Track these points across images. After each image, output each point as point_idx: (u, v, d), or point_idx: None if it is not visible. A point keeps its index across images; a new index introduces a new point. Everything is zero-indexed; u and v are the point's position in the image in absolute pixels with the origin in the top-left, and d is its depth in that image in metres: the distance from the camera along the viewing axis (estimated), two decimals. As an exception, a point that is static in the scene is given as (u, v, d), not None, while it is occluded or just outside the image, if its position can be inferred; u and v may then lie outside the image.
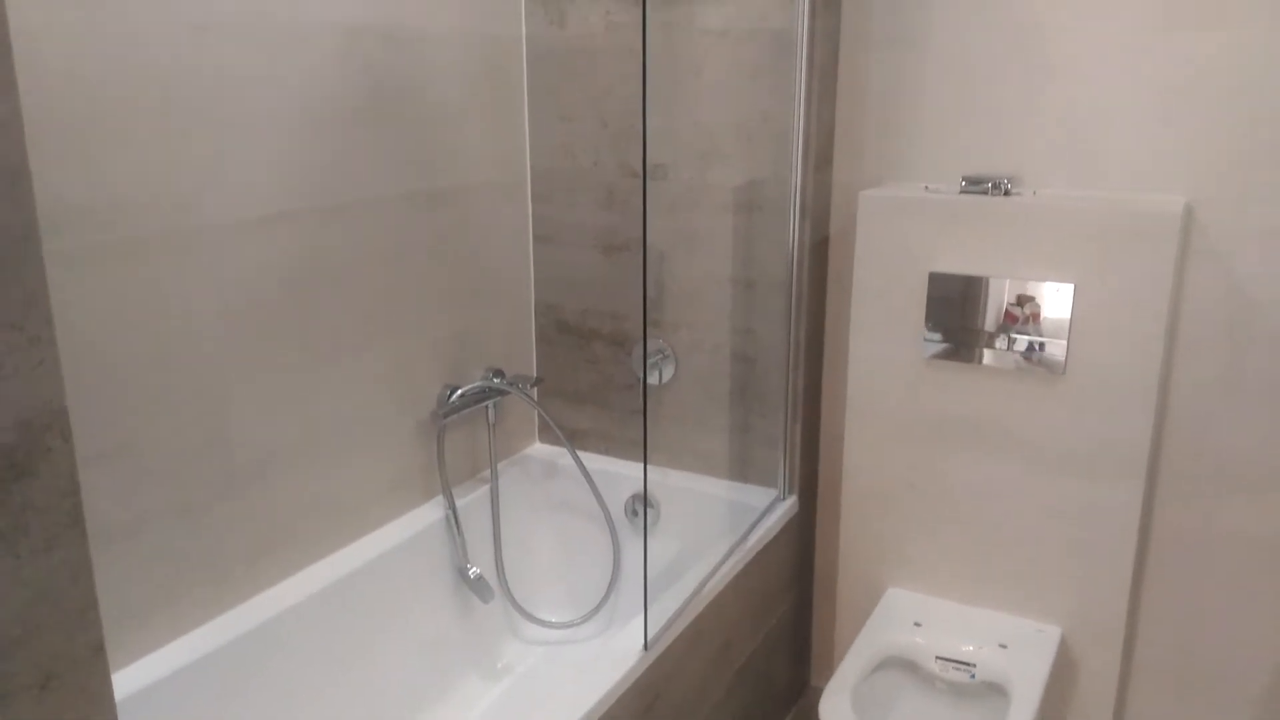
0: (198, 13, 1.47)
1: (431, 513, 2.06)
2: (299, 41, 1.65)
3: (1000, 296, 1.87)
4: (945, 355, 1.95)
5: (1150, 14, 1.77)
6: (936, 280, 1.92)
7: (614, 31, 2.13)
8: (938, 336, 1.94)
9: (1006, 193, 1.87)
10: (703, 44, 2.05)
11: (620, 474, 2.31)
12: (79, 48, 1.33)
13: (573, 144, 2.23)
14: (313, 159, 1.71)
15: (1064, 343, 1.83)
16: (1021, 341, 1.86)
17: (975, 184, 1.91)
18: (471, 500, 2.15)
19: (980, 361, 1.91)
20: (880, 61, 2.02)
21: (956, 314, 1.91)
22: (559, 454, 2.38)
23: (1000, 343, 1.89)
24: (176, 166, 1.48)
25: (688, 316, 2.21)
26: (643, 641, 1.64)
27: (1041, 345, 1.84)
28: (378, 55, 1.81)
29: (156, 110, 1.44)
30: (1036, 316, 1.83)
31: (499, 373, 2.24)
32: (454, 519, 2.07)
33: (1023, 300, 1.85)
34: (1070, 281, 1.81)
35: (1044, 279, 1.83)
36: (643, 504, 2.28)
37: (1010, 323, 1.86)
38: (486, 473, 2.27)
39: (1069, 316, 1.82)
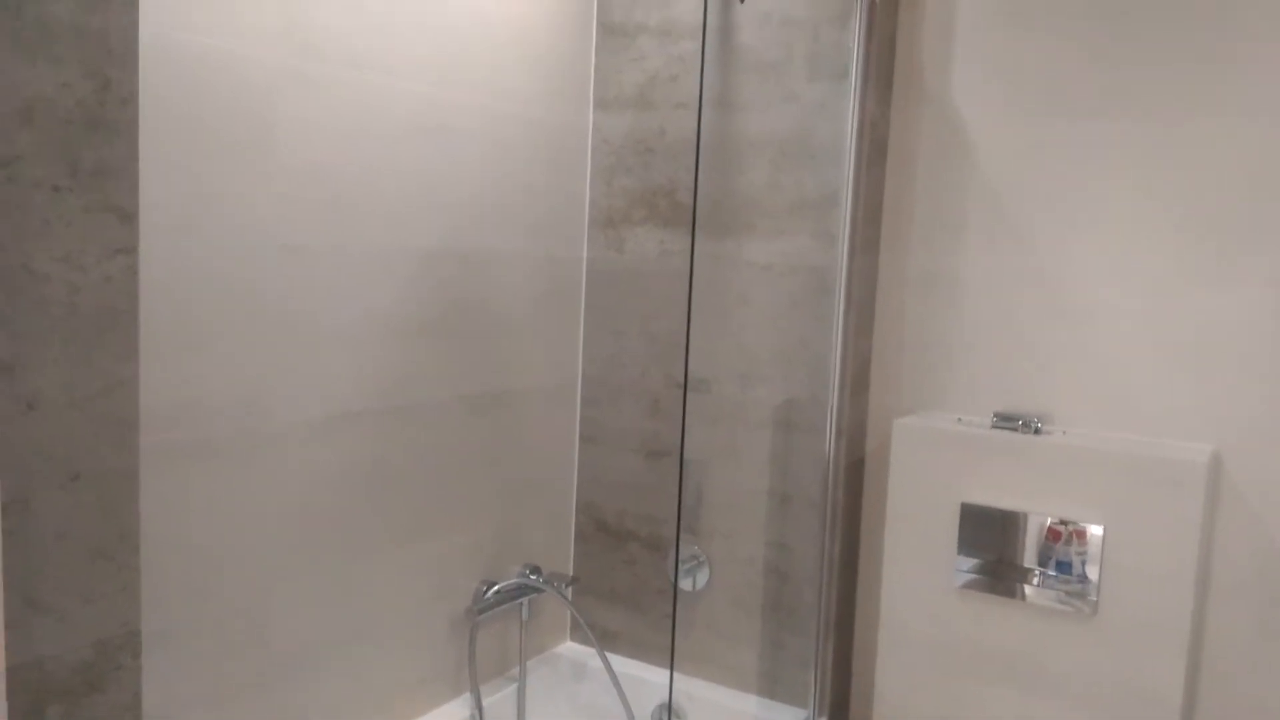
0: (292, 236, 1.65)
1: (458, 711, 2.07)
2: (382, 264, 1.82)
3: (1032, 532, 1.89)
4: (977, 586, 1.96)
5: (1165, 273, 1.88)
6: (968, 512, 1.96)
7: (666, 258, 2.29)
8: (970, 567, 1.96)
9: (1037, 431, 1.93)
10: (748, 274, 2.20)
11: (649, 680, 2.30)
12: (175, 262, 1.49)
13: (622, 355, 2.36)
14: (380, 366, 1.85)
15: (1095, 583, 1.84)
16: (1052, 577, 1.87)
17: (1007, 420, 1.98)
18: (499, 699, 2.16)
19: (1011, 595, 1.92)
20: (916, 299, 2.15)
21: (988, 546, 1.94)
22: (589, 654, 2.39)
23: (1033, 579, 1.90)
24: (252, 373, 1.62)
25: (724, 526, 2.26)
26: None
27: (1080, 576, 1.85)
28: (452, 274, 1.98)
29: (241, 321, 1.59)
30: (1082, 536, 1.85)
31: (536, 569, 2.29)
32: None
33: (1066, 523, 1.87)
34: (1100, 523, 1.84)
35: (1074, 519, 1.86)
36: (668, 715, 2.26)
37: (1054, 540, 1.88)
38: (516, 670, 2.28)
39: (1100, 557, 1.84)
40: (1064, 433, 1.95)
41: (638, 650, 2.40)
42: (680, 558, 2.29)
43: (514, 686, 2.21)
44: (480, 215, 2.05)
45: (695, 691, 2.27)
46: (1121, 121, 1.91)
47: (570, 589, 2.43)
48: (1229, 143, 1.82)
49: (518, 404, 2.21)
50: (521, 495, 2.26)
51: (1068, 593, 1.87)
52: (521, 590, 2.22)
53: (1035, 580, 1.90)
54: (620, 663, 2.38)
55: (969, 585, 1.97)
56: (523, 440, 2.25)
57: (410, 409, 1.92)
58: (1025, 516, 1.90)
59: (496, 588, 2.16)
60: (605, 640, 2.43)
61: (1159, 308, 1.90)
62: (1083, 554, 1.86)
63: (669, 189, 2.29)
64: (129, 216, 0.73)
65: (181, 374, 1.51)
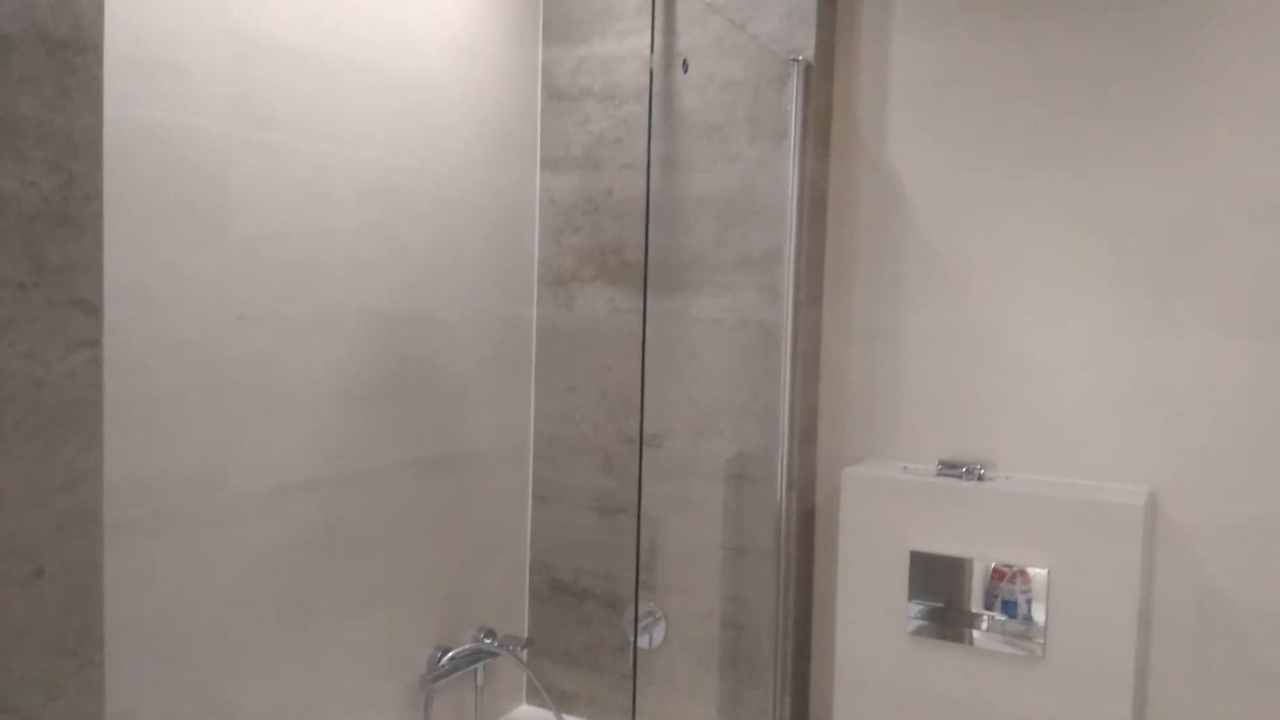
0: (246, 305, 1.65)
1: (415, 780, 2.03)
2: (335, 329, 1.82)
3: (979, 578, 1.94)
4: (928, 632, 1.99)
5: (1101, 321, 1.96)
6: (917, 559, 1.99)
7: (616, 315, 2.33)
8: (920, 613, 2.00)
9: (980, 478, 1.99)
10: (697, 329, 2.24)
11: (608, 741, 2.29)
12: (129, 335, 1.48)
13: (575, 412, 2.38)
14: (333, 432, 1.84)
15: (1042, 626, 1.88)
16: (1000, 621, 1.91)
17: (951, 468, 2.03)
18: (456, 766, 2.13)
19: (960, 640, 1.96)
20: (860, 350, 2.20)
21: (937, 592, 1.98)
22: (546, 717, 2.37)
23: (981, 623, 1.94)
24: (207, 445, 1.60)
25: (679, 581, 2.27)
26: None
27: (1026, 618, 1.89)
28: (404, 337, 1.99)
29: (196, 394, 1.58)
30: (1025, 575, 1.89)
31: (490, 633, 2.27)
32: (437, 787, 2.04)
33: (1010, 565, 1.92)
34: (1044, 567, 1.89)
35: (1019, 563, 1.91)
36: (629, 774, 2.25)
37: (998, 580, 1.92)
38: (473, 736, 2.25)
39: (1045, 599, 1.88)
40: (1006, 478, 2.01)
41: (596, 710, 2.38)
42: (637, 614, 2.29)
43: (472, 752, 2.18)
44: (431, 277, 2.07)
45: (655, 749, 2.25)
46: (1054, 176, 2.00)
47: (525, 651, 2.41)
48: (1157, 196, 1.91)
49: (470, 465, 2.21)
50: (475, 557, 2.25)
51: (1015, 636, 1.91)
52: (476, 655, 2.20)
53: (984, 625, 1.94)
54: (579, 722, 2.36)
55: (920, 632, 2.00)
56: (475, 502, 2.24)
57: (362, 475, 1.91)
58: (971, 562, 1.95)
59: (451, 654, 2.13)
60: (563, 702, 2.41)
61: (1095, 356, 1.97)
62: (1027, 592, 1.90)
63: (617, 247, 2.32)
64: (94, 310, 0.74)
65: (136, 450, 1.49)
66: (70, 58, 0.75)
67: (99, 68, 0.77)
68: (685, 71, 2.17)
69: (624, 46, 2.27)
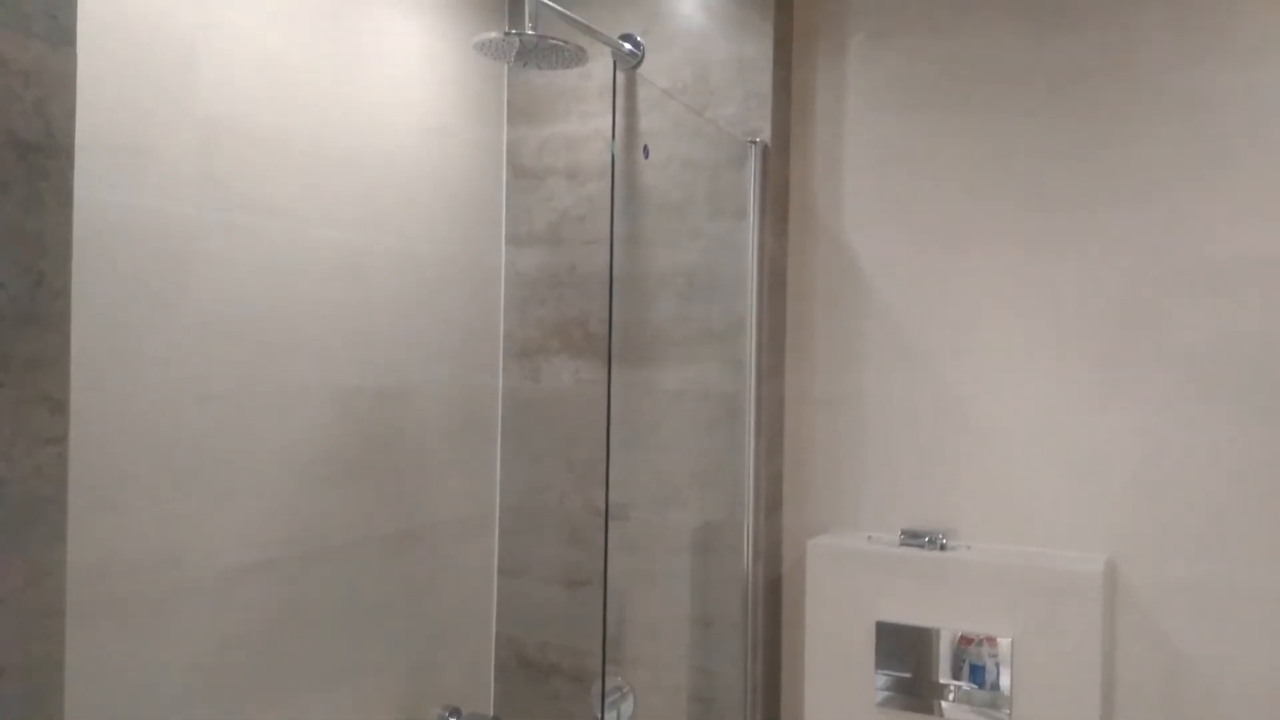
0: (209, 384, 1.65)
1: None
2: (298, 406, 1.83)
3: (945, 647, 1.95)
4: (895, 704, 2.00)
5: (1054, 393, 2.01)
6: (883, 629, 2.01)
7: (582, 386, 2.35)
8: (888, 684, 2.00)
9: (942, 547, 2.02)
10: (661, 401, 2.26)
11: (576, 821, 2.25)
12: (91, 418, 1.48)
13: (540, 484, 2.38)
14: (294, 510, 1.83)
15: (1008, 694, 1.90)
16: (966, 691, 1.92)
17: (914, 537, 2.05)
18: None
19: (929, 711, 1.96)
20: (822, 420, 2.24)
21: (904, 662, 1.99)
22: (514, 797, 2.32)
23: (948, 693, 1.95)
24: (167, 526, 1.59)
25: (647, 654, 2.26)
26: None
27: (993, 685, 1.90)
28: (368, 411, 1.99)
29: (156, 475, 1.57)
30: (993, 641, 1.91)
31: (456, 711, 2.23)
32: None
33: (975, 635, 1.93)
34: (1008, 635, 1.91)
35: (983, 632, 1.93)
36: None
37: (965, 645, 1.93)
38: (438, 819, 2.20)
39: (1010, 667, 1.90)
40: (968, 547, 2.04)
41: (564, 788, 2.34)
42: (604, 689, 2.27)
43: (436, 837, 2.13)
44: (396, 351, 2.08)
45: (624, 829, 2.22)
46: (1001, 251, 2.06)
47: (493, 727, 2.37)
48: (1099, 272, 1.99)
49: (434, 539, 2.20)
50: (440, 633, 2.23)
51: (983, 705, 1.92)
52: (443, 733, 2.16)
53: (950, 695, 1.95)
54: (546, 803, 2.31)
55: (887, 703, 2.00)
56: (440, 576, 2.23)
57: (324, 552, 1.89)
58: (937, 632, 1.96)
59: (417, 732, 2.10)
60: (530, 779, 2.37)
61: (1049, 425, 2.02)
62: (995, 657, 1.92)
63: (582, 320, 2.36)
64: (60, 406, 0.75)
65: (96, 532, 1.48)
66: (42, 161, 0.77)
67: (70, 170, 0.80)
68: (646, 157, 2.23)
69: (587, 127, 2.33)
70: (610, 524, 2.31)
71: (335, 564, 1.92)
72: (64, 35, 0.79)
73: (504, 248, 2.44)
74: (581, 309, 2.36)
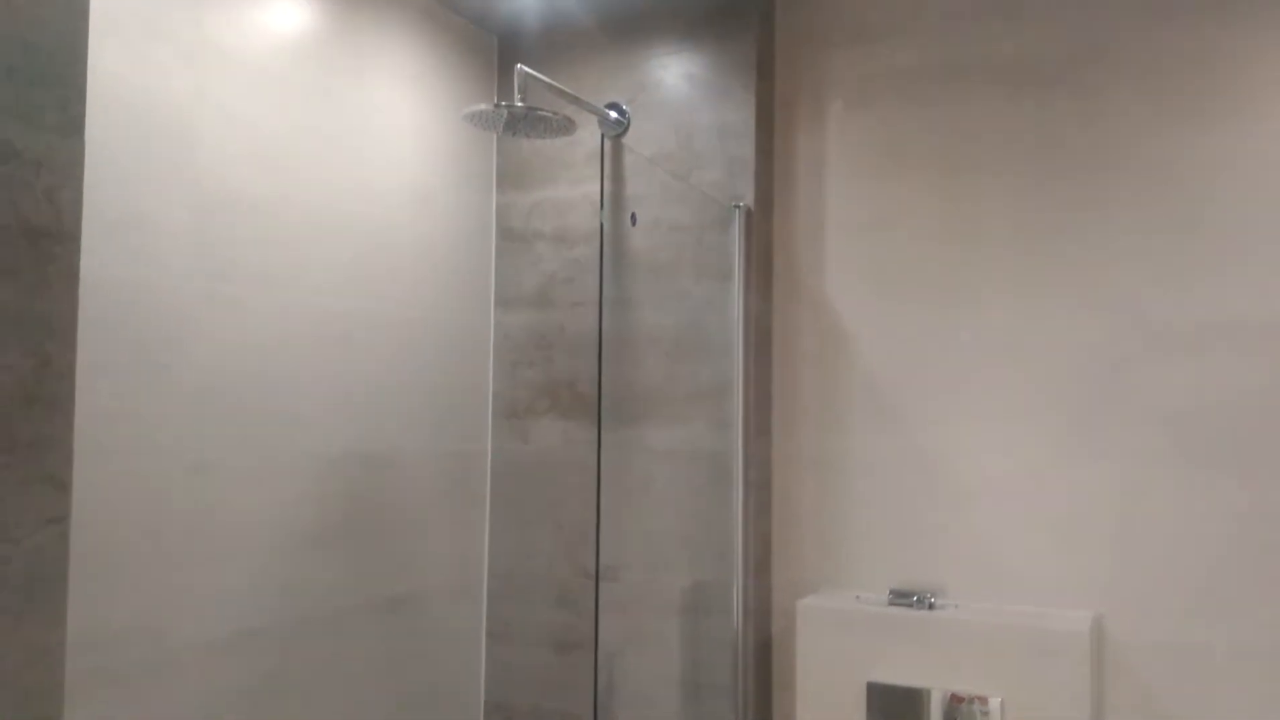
0: (200, 454, 1.66)
1: None
2: (287, 473, 1.83)
3: (935, 708, 1.95)
4: (889, 765, 1.98)
5: (1036, 449, 2.04)
6: (874, 690, 2.00)
7: (571, 447, 2.36)
8: (880, 745, 1.99)
9: (931, 606, 2.02)
10: (650, 461, 2.28)
11: None
12: (83, 491, 1.48)
13: (529, 546, 2.38)
14: (282, 577, 1.82)
15: (1000, 755, 1.89)
16: (960, 752, 1.92)
17: (902, 596, 2.06)
18: None
19: (923, 773, 1.95)
20: (810, 479, 2.26)
21: (896, 723, 1.98)
22: None
23: (940, 753, 1.94)
24: (156, 596, 1.58)
25: (637, 717, 2.24)
26: None
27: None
28: (356, 477, 2.00)
29: (146, 546, 1.57)
30: (984, 699, 1.90)
31: (446, 779, 2.21)
32: None
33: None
34: (998, 694, 1.91)
35: (973, 691, 1.93)
36: None
37: (957, 704, 1.92)
38: None
39: (1001, 728, 1.90)
40: (956, 606, 2.05)
41: None
42: (595, 754, 2.25)
43: None
44: (386, 416, 2.09)
45: None
46: (979, 312, 2.11)
47: (482, 795, 2.34)
48: (1074, 332, 2.03)
49: (423, 604, 2.19)
50: (428, 700, 2.21)
51: (975, 766, 1.91)
52: (431, 802, 2.13)
53: (944, 756, 1.94)
54: None
55: (881, 765, 1.99)
56: (429, 641, 2.21)
57: (311, 620, 1.89)
58: (928, 693, 1.96)
59: (405, 801, 2.07)
60: None
61: (1030, 482, 2.05)
62: (986, 715, 1.91)
63: (570, 380, 2.38)
64: (63, 485, 0.76)
65: (85, 603, 1.46)
66: (50, 246, 0.79)
67: (77, 254, 0.82)
68: (634, 224, 2.28)
69: (575, 192, 2.38)
70: (600, 585, 2.30)
71: (323, 631, 1.91)
72: (74, 125, 0.82)
73: (493, 310, 2.46)
74: (570, 370, 2.38)
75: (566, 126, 1.95)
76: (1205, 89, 1.95)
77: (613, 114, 2.31)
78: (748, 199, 2.21)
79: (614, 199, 2.35)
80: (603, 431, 2.31)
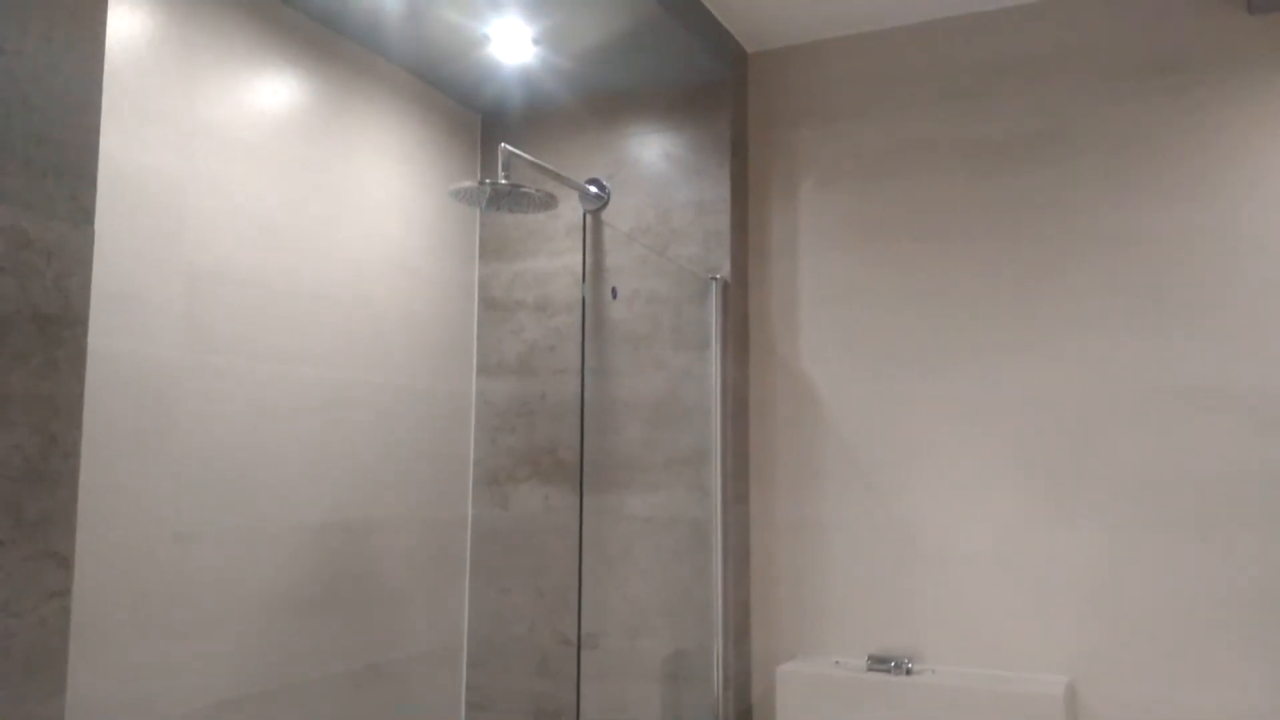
0: (184, 523, 1.68)
1: None
2: (269, 542, 1.85)
3: (914, 773, 1.96)
4: (869, 833, 1.98)
5: (1008, 514, 2.09)
6: (853, 756, 2.01)
7: (551, 513, 2.39)
8: (860, 813, 2.00)
9: (908, 672, 2.05)
10: (630, 527, 2.31)
11: None
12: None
13: (509, 613, 2.39)
14: (262, 647, 1.83)
15: (979, 821, 1.90)
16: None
17: (880, 662, 2.08)
18: None
19: (903, 840, 1.95)
20: (788, 544, 2.29)
21: (875, 790, 1.99)
22: None
23: (919, 820, 1.94)
24: (136, 668, 1.59)
25: (618, 788, 2.23)
26: None
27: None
28: (337, 546, 2.02)
29: (126, 618, 1.58)
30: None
31: None
32: None
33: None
34: (975, 759, 1.93)
35: (951, 756, 1.94)
36: None
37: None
38: None
39: (979, 794, 1.91)
40: (934, 671, 2.07)
41: None
42: (575, 825, 2.23)
43: None
44: (367, 484, 2.12)
45: None
46: (949, 380, 2.17)
47: None
48: (1043, 398, 2.09)
49: (402, 673, 2.19)
50: (409, 770, 2.19)
51: (955, 833, 1.92)
52: None
53: (923, 823, 1.94)
54: None
55: (862, 833, 1.99)
56: (407, 711, 2.20)
57: (290, 689, 1.88)
58: (907, 758, 1.97)
59: None
60: None
61: (1004, 547, 2.09)
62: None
63: (551, 447, 2.41)
64: (65, 561, 0.79)
65: (72, 673, 1.47)
66: (59, 331, 0.83)
67: (84, 337, 0.86)
68: (614, 298, 2.34)
69: (556, 263, 2.45)
70: (581, 653, 2.31)
71: (304, 699, 1.91)
72: (84, 215, 0.87)
73: (475, 378, 2.51)
74: (550, 436, 2.42)
75: (548, 202, 2.02)
76: (1161, 165, 2.04)
77: (593, 189, 2.38)
78: (724, 271, 2.28)
79: (595, 271, 2.41)
80: (585, 496, 2.34)
